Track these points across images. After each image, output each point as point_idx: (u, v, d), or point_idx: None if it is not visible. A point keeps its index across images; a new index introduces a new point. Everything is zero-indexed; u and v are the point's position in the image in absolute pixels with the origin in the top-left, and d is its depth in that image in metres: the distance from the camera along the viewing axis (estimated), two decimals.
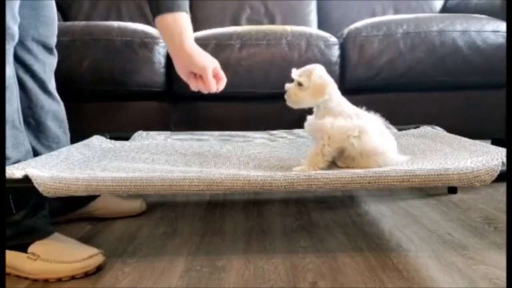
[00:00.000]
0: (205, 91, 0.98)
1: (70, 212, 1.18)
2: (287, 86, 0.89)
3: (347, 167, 0.86)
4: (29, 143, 0.98)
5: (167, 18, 0.94)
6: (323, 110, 0.88)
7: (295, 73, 0.88)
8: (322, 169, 0.85)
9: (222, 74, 0.98)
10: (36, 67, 1.00)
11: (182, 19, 0.95)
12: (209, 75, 0.95)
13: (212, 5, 1.96)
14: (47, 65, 1.03)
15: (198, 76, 0.97)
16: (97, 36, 1.39)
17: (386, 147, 0.86)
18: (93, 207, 1.19)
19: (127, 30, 1.43)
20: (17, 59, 0.96)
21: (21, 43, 0.95)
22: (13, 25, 0.86)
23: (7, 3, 0.84)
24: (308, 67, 0.89)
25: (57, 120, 1.06)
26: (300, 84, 0.87)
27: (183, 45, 0.95)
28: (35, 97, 1.00)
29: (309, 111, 0.92)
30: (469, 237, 1.02)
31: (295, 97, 0.88)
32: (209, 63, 0.96)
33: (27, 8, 0.95)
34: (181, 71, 0.98)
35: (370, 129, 0.85)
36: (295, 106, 0.89)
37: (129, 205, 1.23)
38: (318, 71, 0.87)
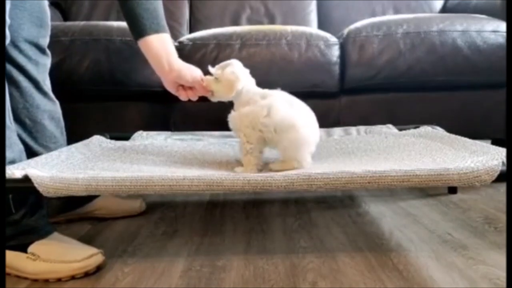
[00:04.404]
0: (195, 98, 1.04)
1: (70, 211, 1.18)
2: (206, 77, 0.97)
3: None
4: (25, 143, 0.98)
5: (153, 39, 0.99)
6: (237, 103, 0.94)
7: (213, 68, 0.94)
8: (257, 164, 0.90)
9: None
10: (29, 67, 1.00)
11: (167, 39, 1.01)
12: (201, 84, 1.00)
13: (212, 5, 1.96)
14: (40, 65, 1.03)
15: (187, 87, 1.03)
16: (97, 36, 1.39)
17: (295, 118, 0.87)
18: (93, 206, 1.19)
19: (127, 30, 1.42)
20: (10, 60, 0.97)
21: (13, 44, 0.95)
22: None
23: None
24: (225, 62, 0.94)
25: (54, 120, 1.06)
26: (216, 78, 0.93)
27: (172, 63, 1.00)
28: (30, 97, 1.01)
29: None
30: (469, 237, 1.02)
31: (210, 88, 0.95)
32: (197, 74, 1.01)
33: (18, 9, 0.96)
34: (171, 86, 1.04)
35: (277, 104, 0.88)
36: (213, 98, 0.97)
37: (129, 205, 1.23)
38: (232, 66, 0.93)
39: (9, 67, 0.96)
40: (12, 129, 0.91)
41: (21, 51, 0.98)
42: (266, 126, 0.87)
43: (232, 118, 0.93)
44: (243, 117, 0.89)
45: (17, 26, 0.96)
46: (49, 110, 1.05)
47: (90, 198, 1.18)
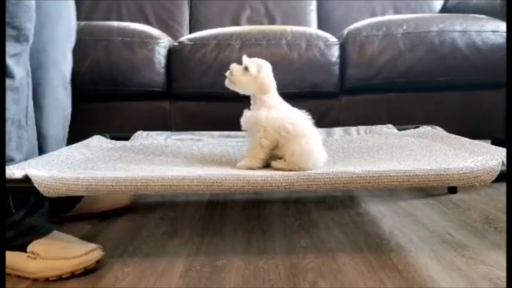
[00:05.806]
0: None
1: (62, 213, 1.16)
2: (233, 65, 0.94)
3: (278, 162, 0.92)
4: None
5: None
6: (259, 104, 0.94)
7: (246, 58, 0.94)
8: (263, 160, 0.92)
9: None
10: None
11: None
12: None
13: (212, 5, 1.96)
14: None
15: None
16: (97, 36, 1.39)
17: (312, 132, 0.92)
18: (82, 203, 1.17)
19: (127, 30, 1.43)
20: None
21: None
22: (30, 25, 0.87)
23: (25, 4, 0.85)
24: (260, 60, 0.95)
25: None
26: (246, 69, 0.92)
27: None
28: None
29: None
30: (469, 237, 1.02)
31: (236, 78, 0.93)
32: None
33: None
34: None
35: (301, 117, 0.93)
36: (231, 86, 0.95)
37: (117, 198, 1.22)
38: (268, 68, 0.94)
39: None
40: (26, 129, 0.90)
41: None
42: (288, 132, 0.90)
43: (251, 116, 0.93)
44: (271, 118, 0.91)
45: None
46: None
47: (79, 198, 1.17)
